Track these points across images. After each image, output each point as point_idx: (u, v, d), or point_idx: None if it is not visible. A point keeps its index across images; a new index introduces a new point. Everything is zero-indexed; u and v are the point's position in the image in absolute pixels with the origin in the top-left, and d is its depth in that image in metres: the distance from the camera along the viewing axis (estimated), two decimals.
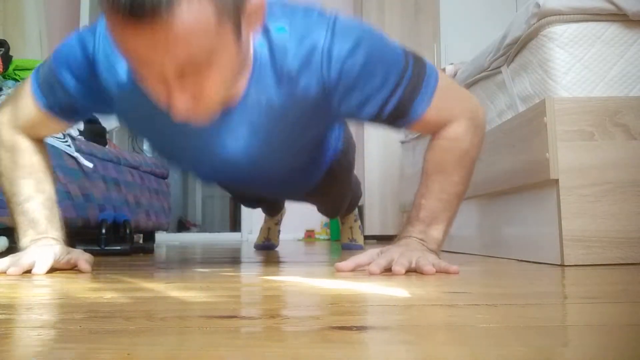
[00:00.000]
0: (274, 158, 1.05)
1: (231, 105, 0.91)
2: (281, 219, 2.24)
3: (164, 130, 0.98)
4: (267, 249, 2.17)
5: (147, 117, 0.96)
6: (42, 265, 0.96)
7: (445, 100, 0.96)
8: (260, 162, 1.04)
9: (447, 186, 0.99)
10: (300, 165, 1.15)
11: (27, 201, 1.02)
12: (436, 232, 0.98)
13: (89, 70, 0.94)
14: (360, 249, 1.98)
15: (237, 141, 0.98)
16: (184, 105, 0.76)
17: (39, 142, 1.08)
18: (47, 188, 1.06)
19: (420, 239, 0.97)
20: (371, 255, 0.97)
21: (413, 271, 0.91)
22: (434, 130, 1.00)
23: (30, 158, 1.04)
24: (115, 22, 0.69)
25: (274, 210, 2.15)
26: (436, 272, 0.89)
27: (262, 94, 0.90)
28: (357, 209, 2.10)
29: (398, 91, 0.92)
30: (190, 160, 1.10)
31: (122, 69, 0.92)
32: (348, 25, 0.89)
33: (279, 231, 2.25)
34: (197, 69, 0.74)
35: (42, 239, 1.02)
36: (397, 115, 0.94)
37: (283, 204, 2.14)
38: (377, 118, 0.95)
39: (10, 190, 1.03)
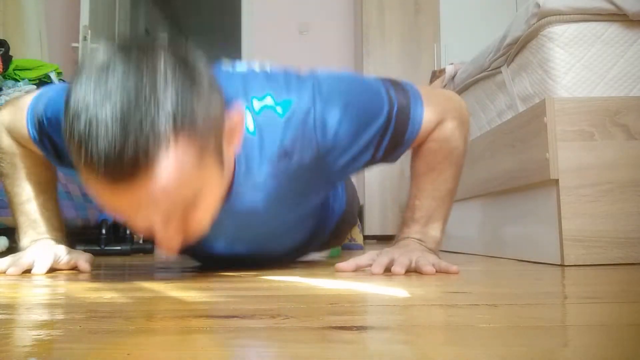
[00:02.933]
0: (275, 235, 1.02)
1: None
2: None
3: None
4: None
5: None
6: (42, 265, 0.96)
7: (432, 111, 0.95)
8: (261, 242, 1.02)
9: (439, 184, 0.99)
10: (304, 236, 1.12)
11: (29, 202, 1.03)
12: (433, 231, 0.98)
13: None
14: (360, 248, 1.98)
15: (233, 231, 0.95)
16: (171, 244, 0.73)
17: None
18: (48, 189, 1.06)
19: (419, 239, 0.97)
20: (371, 256, 0.97)
21: (413, 271, 0.91)
22: (425, 139, 0.98)
23: (32, 160, 1.03)
24: (90, 179, 0.64)
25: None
26: (436, 272, 0.89)
27: (252, 181, 0.86)
28: None
29: (390, 128, 0.90)
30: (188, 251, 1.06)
31: None
32: (330, 84, 0.87)
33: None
34: (181, 210, 0.70)
35: (42, 240, 1.02)
36: (395, 146, 0.93)
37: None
38: (373, 159, 0.93)
39: (12, 191, 1.03)
